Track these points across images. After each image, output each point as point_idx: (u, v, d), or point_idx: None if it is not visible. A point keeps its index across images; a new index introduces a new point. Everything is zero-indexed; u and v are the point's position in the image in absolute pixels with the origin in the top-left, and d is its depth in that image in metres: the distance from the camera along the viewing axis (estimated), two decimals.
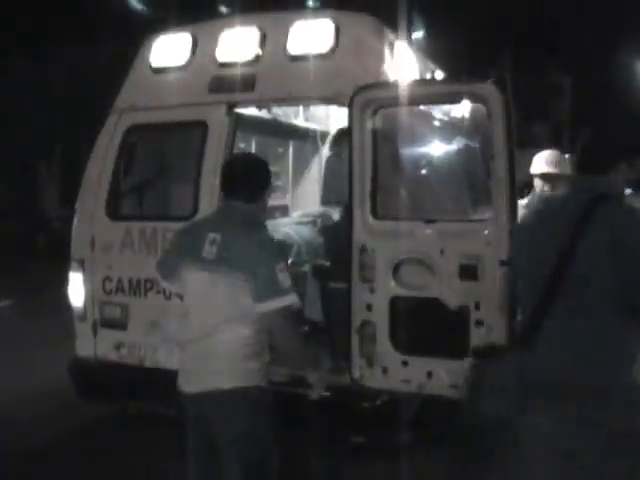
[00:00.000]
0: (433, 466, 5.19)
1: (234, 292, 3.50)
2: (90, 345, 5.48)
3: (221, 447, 3.62)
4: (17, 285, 12.53)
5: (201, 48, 5.46)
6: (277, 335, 3.59)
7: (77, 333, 5.54)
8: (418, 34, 22.82)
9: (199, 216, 5.02)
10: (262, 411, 3.61)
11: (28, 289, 12.03)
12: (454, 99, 4.83)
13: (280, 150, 7.44)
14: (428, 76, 6.33)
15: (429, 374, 4.43)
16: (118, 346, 5.38)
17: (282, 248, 5.46)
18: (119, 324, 5.38)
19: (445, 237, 4.43)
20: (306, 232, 6.69)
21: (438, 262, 4.38)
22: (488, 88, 4.20)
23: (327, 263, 5.51)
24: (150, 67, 5.60)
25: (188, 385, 3.69)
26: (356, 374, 4.63)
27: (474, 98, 4.44)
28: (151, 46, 5.64)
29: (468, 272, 4.29)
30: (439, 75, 6.74)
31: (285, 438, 4.80)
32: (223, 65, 5.34)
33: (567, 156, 5.77)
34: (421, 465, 5.12)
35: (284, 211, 7.46)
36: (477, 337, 4.28)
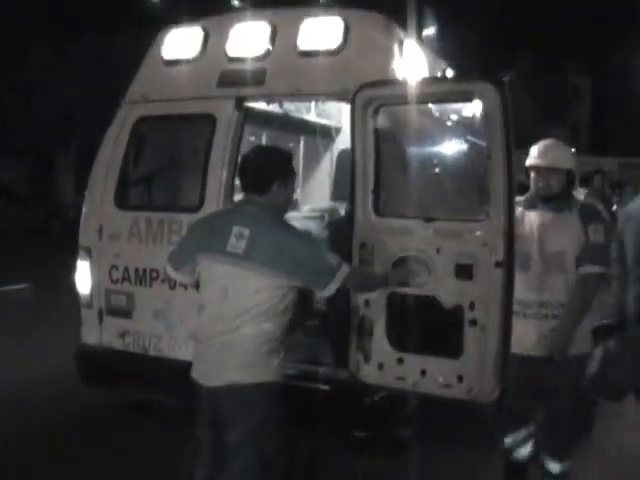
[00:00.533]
0: (433, 462, 5.25)
1: (260, 288, 3.54)
2: (96, 333, 5.54)
3: (234, 442, 3.63)
4: (33, 270, 12.67)
5: (212, 42, 5.51)
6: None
7: (83, 320, 5.60)
8: (430, 32, 22.75)
9: (206, 208, 5.10)
10: (277, 407, 3.65)
11: (43, 274, 12.15)
12: (454, 98, 4.84)
13: (291, 145, 7.48)
14: (438, 74, 6.36)
15: (423, 372, 4.46)
16: (123, 334, 5.44)
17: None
18: (124, 312, 5.43)
19: (442, 236, 4.46)
20: (313, 227, 6.73)
21: (435, 260, 4.41)
22: (485, 86, 4.22)
23: None
24: (162, 59, 5.66)
25: (206, 379, 3.69)
26: (353, 369, 4.66)
27: (472, 96, 4.45)
28: (163, 39, 5.70)
29: (464, 271, 4.32)
30: (450, 73, 6.76)
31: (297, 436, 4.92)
32: (233, 59, 5.38)
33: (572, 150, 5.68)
34: (421, 461, 5.14)
35: (294, 205, 7.50)
36: (471, 337, 4.30)
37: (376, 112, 4.58)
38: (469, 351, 4.32)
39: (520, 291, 4.36)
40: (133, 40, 6.52)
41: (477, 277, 4.28)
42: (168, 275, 4.15)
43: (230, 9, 5.78)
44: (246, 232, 3.57)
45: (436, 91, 4.69)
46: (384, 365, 4.56)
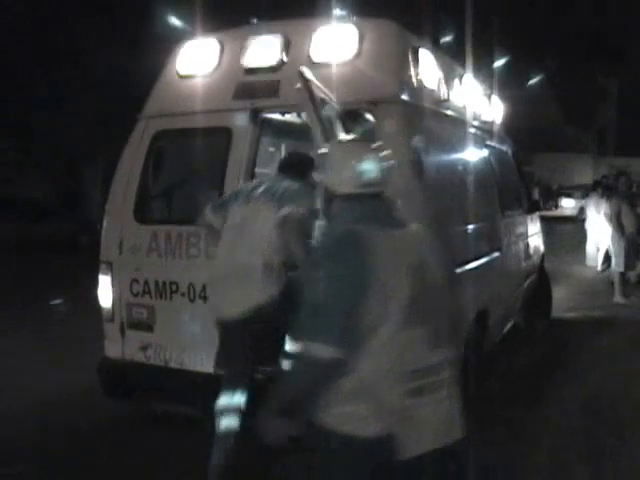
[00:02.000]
0: None
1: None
2: (118, 346, 5.59)
3: None
4: (65, 284, 12.76)
5: (227, 55, 5.56)
6: None
7: (105, 334, 5.65)
8: (448, 38, 22.72)
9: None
10: None
11: (75, 288, 12.24)
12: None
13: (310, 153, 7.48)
14: (455, 80, 6.36)
15: None
16: (145, 347, 5.47)
17: None
18: (145, 326, 5.47)
19: None
20: None
21: None
22: None
23: None
24: (177, 73, 5.72)
25: None
26: None
27: None
28: (179, 53, 5.75)
29: None
30: (468, 79, 6.75)
31: None
32: (248, 71, 5.43)
33: None
34: None
35: None
36: None
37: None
38: None
39: None
40: (156, 55, 6.58)
41: None
42: (205, 216, 4.90)
43: (245, 22, 5.82)
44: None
45: None
46: None
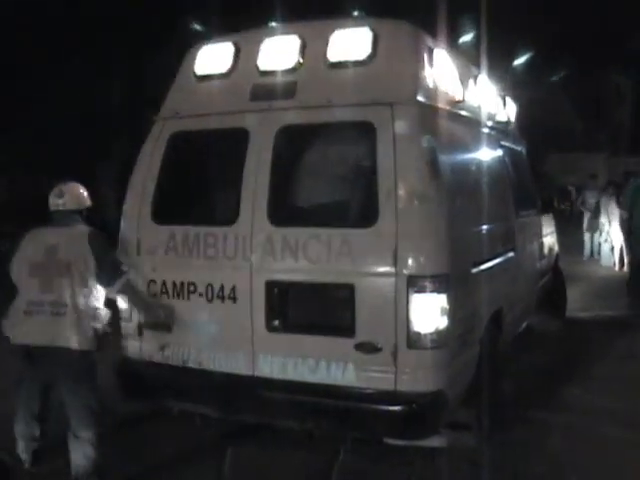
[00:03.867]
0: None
1: None
2: (136, 346, 5.62)
3: None
4: None
5: (243, 56, 5.58)
6: None
7: (123, 334, 5.68)
8: (467, 37, 22.66)
9: (241, 221, 5.19)
10: None
11: None
12: None
13: None
14: (470, 81, 6.37)
15: None
16: (162, 347, 5.50)
17: None
18: (163, 326, 5.50)
19: None
20: None
21: None
22: None
23: None
24: (194, 75, 5.75)
25: None
26: None
27: None
28: (195, 55, 5.78)
29: None
30: (482, 79, 6.76)
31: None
32: (265, 73, 5.44)
33: None
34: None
35: None
36: None
37: None
38: None
39: None
40: (171, 56, 6.63)
41: None
42: None
43: (261, 24, 5.83)
44: None
45: None
46: None
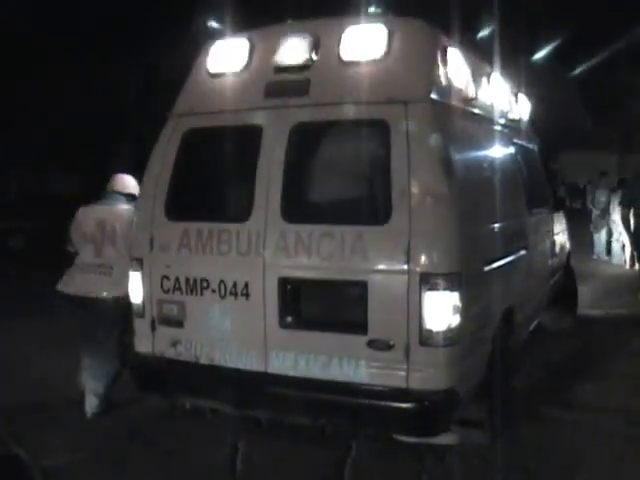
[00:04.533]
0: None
1: None
2: (148, 342, 5.64)
3: None
4: None
5: (257, 54, 5.59)
6: None
7: (136, 330, 5.71)
8: (484, 33, 22.63)
9: (254, 218, 5.21)
10: None
11: None
12: None
13: None
14: (483, 79, 6.37)
15: None
16: (175, 343, 5.52)
17: None
18: (176, 322, 5.51)
19: None
20: None
21: None
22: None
23: None
24: (208, 72, 5.75)
25: None
26: None
27: None
28: (209, 52, 5.79)
29: None
30: (496, 77, 6.75)
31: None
32: (278, 70, 5.45)
33: None
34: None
35: None
36: None
37: None
38: None
39: None
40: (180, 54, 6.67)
41: None
42: None
43: (275, 21, 5.83)
44: None
45: None
46: None
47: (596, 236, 17.91)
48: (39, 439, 5.99)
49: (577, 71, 37.68)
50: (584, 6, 30.83)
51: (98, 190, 6.94)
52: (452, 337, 4.74)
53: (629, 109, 42.93)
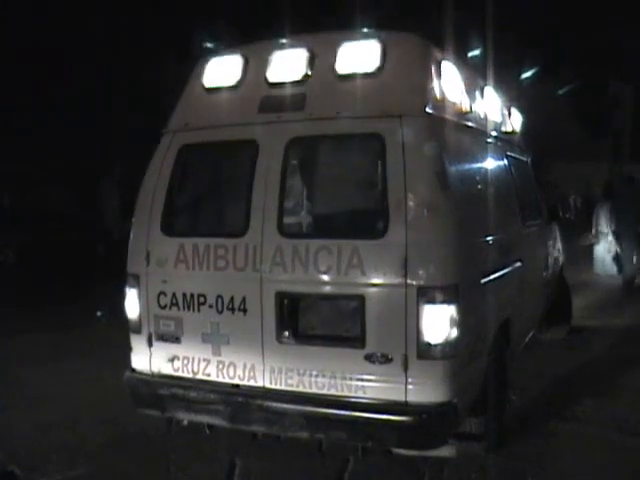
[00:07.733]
0: None
1: None
2: (145, 357, 5.63)
3: None
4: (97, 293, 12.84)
5: (252, 69, 5.60)
6: None
7: (132, 346, 5.69)
8: (475, 52, 22.76)
9: (251, 233, 5.20)
10: None
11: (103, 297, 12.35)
12: None
13: None
14: (477, 92, 6.40)
15: None
16: (172, 359, 5.51)
17: None
18: (173, 338, 5.50)
19: None
20: None
21: None
22: None
23: None
24: (203, 87, 5.76)
25: None
26: None
27: None
28: (204, 67, 5.80)
29: None
30: (489, 91, 6.79)
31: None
32: (273, 85, 5.46)
33: None
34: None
35: None
36: None
37: None
38: None
39: None
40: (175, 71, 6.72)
41: None
42: None
43: (270, 36, 5.85)
44: None
45: None
46: None
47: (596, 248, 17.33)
48: (35, 456, 5.95)
49: (566, 84, 37.98)
50: (574, 22, 31.12)
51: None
52: (450, 350, 4.74)
53: (617, 119, 43.25)
